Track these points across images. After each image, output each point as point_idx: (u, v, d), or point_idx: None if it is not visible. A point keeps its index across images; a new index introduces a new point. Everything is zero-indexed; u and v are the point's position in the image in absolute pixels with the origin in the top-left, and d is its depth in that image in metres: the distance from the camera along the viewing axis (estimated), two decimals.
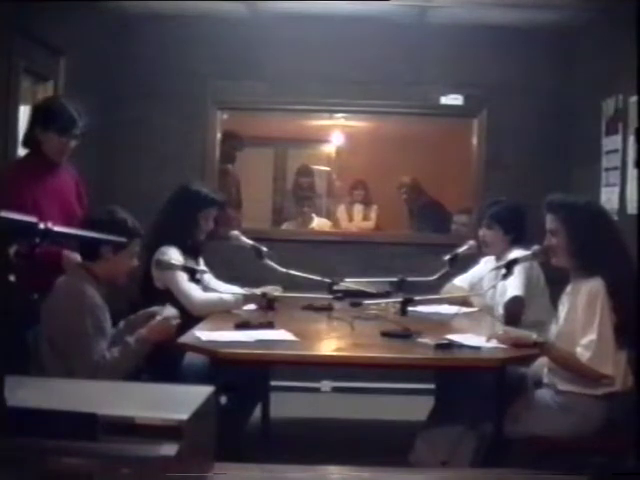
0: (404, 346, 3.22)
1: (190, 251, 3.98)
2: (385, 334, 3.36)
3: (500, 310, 4.06)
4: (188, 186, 4.13)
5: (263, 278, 4.28)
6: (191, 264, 3.85)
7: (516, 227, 4.21)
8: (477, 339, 3.24)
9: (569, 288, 3.23)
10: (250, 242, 4.30)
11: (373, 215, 6.92)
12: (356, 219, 6.95)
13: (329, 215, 7.11)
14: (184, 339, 3.21)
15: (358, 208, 6.95)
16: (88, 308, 3.14)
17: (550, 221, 3.26)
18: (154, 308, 3.39)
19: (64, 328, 3.10)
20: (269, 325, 3.47)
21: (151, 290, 3.85)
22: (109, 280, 3.30)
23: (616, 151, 4.85)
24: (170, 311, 3.36)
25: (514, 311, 3.97)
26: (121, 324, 3.41)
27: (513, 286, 3.97)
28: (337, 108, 6.20)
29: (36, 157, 3.71)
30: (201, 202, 4.04)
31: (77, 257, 3.63)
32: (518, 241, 4.16)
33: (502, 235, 4.24)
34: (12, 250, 1.76)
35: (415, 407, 4.30)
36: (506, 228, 4.24)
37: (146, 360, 3.35)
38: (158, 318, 3.31)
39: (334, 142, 7.30)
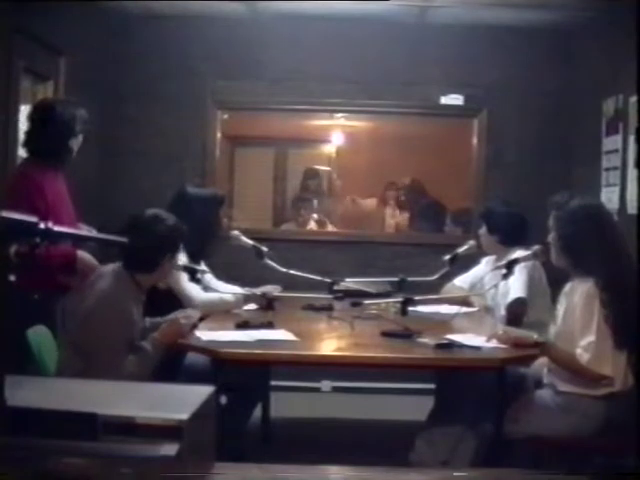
0: (404, 346, 3.22)
1: (196, 252, 3.96)
2: (385, 334, 3.36)
3: (502, 311, 4.07)
4: (189, 187, 4.13)
5: (263, 278, 4.28)
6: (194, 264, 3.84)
7: (501, 227, 4.23)
8: (477, 339, 3.25)
9: (567, 287, 3.23)
10: (250, 242, 4.30)
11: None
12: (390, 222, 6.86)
13: (329, 215, 7.09)
14: (185, 339, 3.21)
15: (390, 211, 6.87)
16: (127, 327, 3.11)
17: (549, 218, 3.29)
18: (176, 313, 3.36)
19: (97, 339, 3.04)
20: (269, 325, 3.47)
21: (153, 290, 3.84)
22: (151, 286, 3.30)
23: (616, 151, 4.85)
24: (183, 313, 3.35)
25: (517, 313, 3.98)
26: (147, 322, 3.38)
27: (515, 287, 3.98)
28: (337, 108, 6.20)
29: (39, 159, 3.70)
30: (202, 202, 4.04)
31: (91, 258, 3.65)
32: (508, 242, 4.17)
33: (487, 233, 4.28)
34: (12, 250, 1.76)
35: (415, 407, 4.30)
36: (489, 226, 4.27)
37: None
38: (167, 319, 3.30)
39: (334, 142, 7.29)
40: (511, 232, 4.20)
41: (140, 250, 3.17)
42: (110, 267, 3.29)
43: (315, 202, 6.69)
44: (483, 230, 4.35)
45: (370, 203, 6.88)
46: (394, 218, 6.81)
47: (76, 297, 3.26)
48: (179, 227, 3.29)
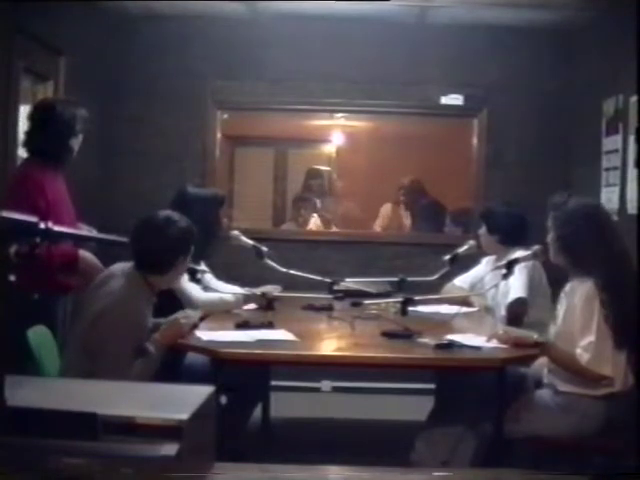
0: (404, 346, 3.22)
1: (196, 252, 3.96)
2: (385, 334, 3.36)
3: (502, 311, 4.06)
4: (189, 187, 4.13)
5: (263, 278, 4.28)
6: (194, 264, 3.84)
7: (501, 227, 4.23)
8: (477, 339, 3.24)
9: (567, 288, 3.23)
10: (250, 242, 4.30)
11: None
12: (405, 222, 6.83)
13: (329, 215, 7.10)
14: (185, 339, 3.21)
15: (403, 211, 6.84)
16: (138, 329, 3.09)
17: (548, 219, 3.29)
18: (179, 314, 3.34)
19: (108, 340, 3.00)
20: (269, 325, 3.47)
21: None
22: (163, 288, 3.29)
23: (616, 151, 4.86)
24: (182, 313, 3.34)
25: (517, 312, 3.98)
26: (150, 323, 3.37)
27: (516, 287, 3.98)
28: (337, 108, 6.20)
29: (40, 159, 3.70)
30: (202, 202, 4.04)
31: (93, 258, 3.65)
32: (508, 242, 4.17)
33: (487, 234, 4.28)
34: (12, 250, 1.76)
35: (415, 407, 4.30)
36: (489, 226, 4.28)
37: None
38: (167, 321, 3.28)
39: (334, 142, 7.30)
40: (511, 232, 4.21)
41: (153, 252, 3.16)
42: (120, 267, 3.27)
43: (317, 202, 6.69)
44: (483, 230, 4.35)
45: (386, 209, 6.87)
46: (408, 219, 6.82)
47: (85, 297, 3.25)
48: (191, 228, 3.28)
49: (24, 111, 4.18)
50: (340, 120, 6.80)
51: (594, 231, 3.18)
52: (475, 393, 3.39)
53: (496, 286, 3.96)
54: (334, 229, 6.65)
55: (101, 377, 2.87)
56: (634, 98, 4.49)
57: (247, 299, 4.01)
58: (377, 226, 6.80)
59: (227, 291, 4.04)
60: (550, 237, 3.28)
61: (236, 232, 4.37)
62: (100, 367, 2.96)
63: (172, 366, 3.36)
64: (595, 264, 3.10)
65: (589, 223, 3.19)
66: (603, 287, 3.05)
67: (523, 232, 4.19)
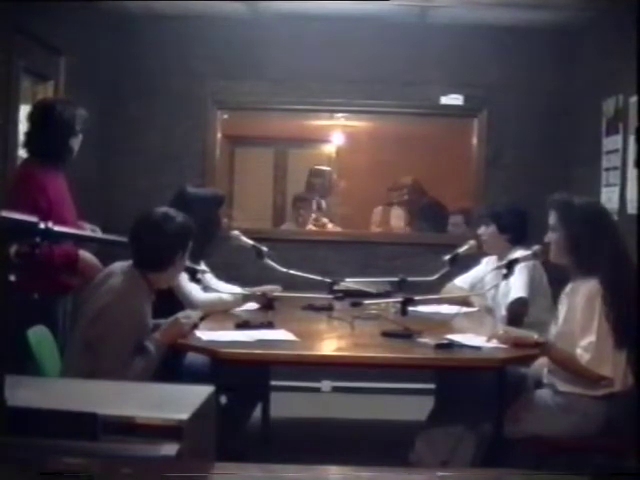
0: (404, 346, 3.22)
1: (196, 251, 3.96)
2: (385, 334, 3.36)
3: (502, 311, 4.06)
4: (189, 187, 4.13)
5: (263, 278, 4.28)
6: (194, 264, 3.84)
7: (512, 225, 4.23)
8: (477, 339, 3.25)
9: (568, 288, 3.23)
10: (250, 242, 4.30)
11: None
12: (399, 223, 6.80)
13: (329, 215, 7.09)
14: (185, 339, 3.21)
15: (396, 212, 6.81)
16: (139, 327, 3.09)
17: (551, 217, 3.29)
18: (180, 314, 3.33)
19: (109, 337, 3.00)
20: (269, 325, 3.47)
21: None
22: (162, 286, 3.29)
23: (616, 151, 4.86)
24: (183, 313, 3.34)
25: (517, 312, 3.98)
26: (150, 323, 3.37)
27: (516, 287, 3.98)
28: (337, 108, 6.21)
29: (40, 159, 3.70)
30: (202, 202, 4.04)
31: (93, 258, 3.66)
32: (517, 240, 4.17)
33: (497, 233, 4.27)
34: (12, 250, 1.76)
35: (415, 407, 4.30)
36: (500, 226, 4.27)
37: None
38: (168, 320, 3.27)
39: (334, 142, 7.30)
40: (522, 231, 4.21)
41: (152, 249, 3.16)
42: (119, 265, 3.26)
43: (315, 202, 6.68)
44: (488, 229, 4.31)
45: (377, 212, 6.86)
46: (402, 219, 6.80)
47: (85, 295, 3.25)
48: (189, 224, 3.28)
49: (24, 111, 4.18)
50: (340, 120, 6.80)
51: (602, 230, 3.18)
52: (475, 393, 3.39)
53: (496, 286, 3.96)
54: (334, 228, 6.65)
55: (102, 375, 2.88)
56: (634, 98, 4.49)
57: (247, 299, 4.01)
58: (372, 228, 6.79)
59: (227, 291, 4.04)
60: (554, 236, 3.27)
61: (236, 232, 4.37)
62: (101, 364, 2.96)
63: (172, 366, 3.37)
64: (600, 263, 3.10)
65: (598, 222, 3.19)
66: (607, 286, 3.05)
67: (527, 231, 4.21)
